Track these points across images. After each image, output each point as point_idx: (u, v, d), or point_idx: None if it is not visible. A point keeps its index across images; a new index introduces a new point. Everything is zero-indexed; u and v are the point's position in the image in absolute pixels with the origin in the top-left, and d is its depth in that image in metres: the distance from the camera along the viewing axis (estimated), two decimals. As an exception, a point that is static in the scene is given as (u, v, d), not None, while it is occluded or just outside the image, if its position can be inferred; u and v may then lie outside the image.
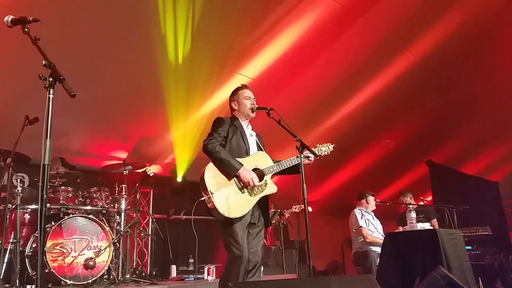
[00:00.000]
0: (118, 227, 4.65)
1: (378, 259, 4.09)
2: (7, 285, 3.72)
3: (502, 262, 5.67)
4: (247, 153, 2.91)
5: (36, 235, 3.93)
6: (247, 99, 3.03)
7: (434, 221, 5.27)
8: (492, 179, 9.25)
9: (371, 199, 5.04)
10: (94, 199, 4.52)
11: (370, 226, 4.85)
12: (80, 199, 4.45)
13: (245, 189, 2.77)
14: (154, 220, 5.52)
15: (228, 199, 2.70)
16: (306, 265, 6.32)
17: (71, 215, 4.08)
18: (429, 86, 6.50)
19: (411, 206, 5.08)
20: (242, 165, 2.75)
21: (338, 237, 8.05)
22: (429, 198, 8.18)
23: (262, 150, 3.03)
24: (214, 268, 4.86)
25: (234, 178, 2.76)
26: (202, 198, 2.73)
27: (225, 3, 4.51)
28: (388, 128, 7.26)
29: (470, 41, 5.81)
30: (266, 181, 2.85)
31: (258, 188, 2.80)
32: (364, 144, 7.46)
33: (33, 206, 4.16)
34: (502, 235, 7.78)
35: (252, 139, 3.03)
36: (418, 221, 3.95)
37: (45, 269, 3.65)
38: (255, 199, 2.78)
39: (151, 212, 5.68)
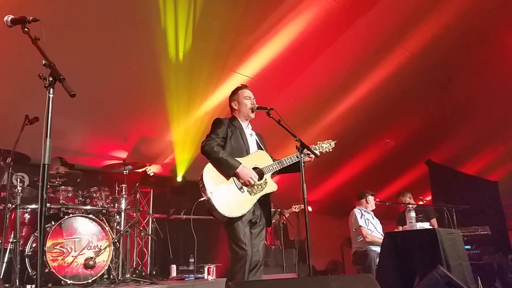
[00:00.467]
0: (118, 227, 4.65)
1: (378, 259, 4.10)
2: (7, 285, 3.72)
3: (501, 261, 5.68)
4: (247, 152, 2.91)
5: (36, 234, 3.93)
6: (247, 99, 3.03)
7: (434, 220, 5.28)
8: (492, 178, 9.26)
9: (370, 198, 5.05)
10: (94, 198, 4.52)
11: (370, 226, 4.86)
12: (80, 198, 4.46)
13: (244, 188, 2.77)
14: (154, 219, 5.53)
15: (228, 199, 2.70)
16: (306, 265, 6.32)
17: (71, 215, 4.08)
18: (428, 86, 6.50)
19: (410, 205, 5.09)
20: (241, 163, 2.75)
21: (338, 237, 8.06)
22: (429, 198, 8.18)
23: (262, 149, 3.04)
24: (214, 268, 4.86)
25: (233, 177, 2.76)
26: (202, 199, 2.74)
27: (225, 2, 4.52)
28: (388, 128, 7.27)
29: (470, 41, 5.82)
30: (266, 179, 2.85)
31: (258, 187, 2.80)
32: (364, 144, 7.46)
33: (33, 206, 4.16)
34: (501, 234, 7.79)
35: (252, 138, 3.03)
36: (417, 221, 3.96)
37: (45, 268, 3.65)
38: (255, 198, 2.79)
39: (151, 212, 5.68)
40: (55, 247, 3.81)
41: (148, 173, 5.65)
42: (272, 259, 6.43)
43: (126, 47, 4.59)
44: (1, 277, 3.69)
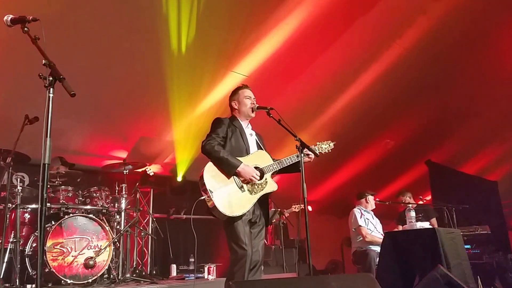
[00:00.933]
0: (118, 227, 4.65)
1: (378, 258, 4.10)
2: (7, 285, 3.71)
3: (501, 261, 5.68)
4: (246, 152, 2.92)
5: (36, 234, 3.93)
6: (247, 98, 3.04)
7: (433, 220, 5.28)
8: (491, 178, 9.26)
9: (370, 198, 5.05)
10: (94, 198, 4.52)
11: (370, 225, 4.86)
12: (80, 198, 4.46)
13: (245, 188, 2.77)
14: (154, 219, 5.53)
15: (228, 197, 2.71)
16: (306, 264, 6.32)
17: (71, 215, 4.08)
18: (428, 86, 6.50)
19: (410, 205, 5.10)
20: (242, 162, 2.76)
21: (338, 236, 8.06)
22: (429, 198, 8.19)
23: (262, 149, 3.04)
24: (215, 267, 4.86)
25: (234, 176, 2.77)
26: (202, 198, 2.74)
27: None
28: (388, 128, 7.27)
29: (470, 41, 5.82)
30: (266, 179, 2.86)
31: (258, 186, 2.80)
32: (364, 144, 7.47)
33: (33, 206, 4.16)
34: (501, 234, 7.79)
35: (252, 138, 3.04)
36: (417, 220, 3.96)
37: (45, 268, 3.65)
38: (255, 197, 2.79)
39: (151, 212, 5.69)
40: (55, 247, 3.81)
41: (148, 173, 5.65)
42: (272, 258, 6.43)
43: (126, 47, 4.59)
44: (1, 276, 3.69)
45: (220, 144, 2.84)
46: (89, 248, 3.98)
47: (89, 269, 3.90)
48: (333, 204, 8.68)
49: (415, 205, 5.33)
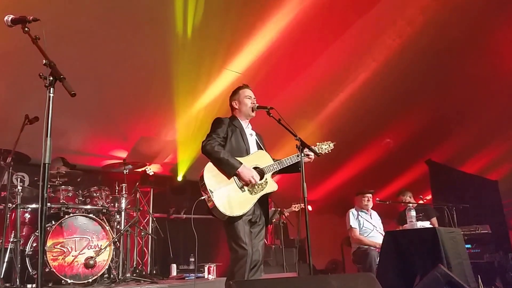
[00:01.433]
0: (118, 226, 4.65)
1: (378, 258, 4.10)
2: (7, 284, 3.72)
3: (502, 260, 5.69)
4: (247, 152, 2.92)
5: (37, 234, 3.93)
6: (248, 98, 3.05)
7: (434, 219, 5.27)
8: (492, 178, 9.25)
9: (368, 196, 5.03)
10: (94, 198, 4.52)
11: (367, 225, 4.86)
12: (81, 198, 4.46)
13: (245, 188, 2.78)
14: (154, 219, 5.53)
15: (229, 197, 2.71)
16: (306, 264, 6.32)
17: (71, 214, 4.08)
18: (428, 86, 6.50)
19: (411, 204, 5.10)
20: (242, 163, 2.76)
21: (338, 236, 8.05)
22: (429, 197, 8.18)
23: (262, 149, 3.04)
24: (215, 267, 4.86)
25: (234, 177, 2.77)
26: (202, 198, 2.74)
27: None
28: (388, 127, 7.26)
29: (470, 40, 5.81)
30: (266, 179, 2.86)
31: (258, 187, 2.81)
32: (364, 143, 7.46)
33: (33, 206, 4.16)
34: (501, 233, 7.79)
35: (252, 138, 3.04)
36: (418, 220, 3.96)
37: (45, 268, 3.65)
38: (255, 197, 2.79)
39: (151, 211, 5.69)
40: (55, 247, 3.81)
41: (147, 172, 5.65)
42: (272, 258, 6.44)
43: (126, 47, 4.59)
44: (1, 276, 3.69)
45: (221, 145, 2.85)
46: (89, 247, 3.98)
47: (89, 269, 3.90)
48: (333, 203, 8.68)
49: (416, 205, 5.32)
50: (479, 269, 4.53)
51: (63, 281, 3.72)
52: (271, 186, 2.88)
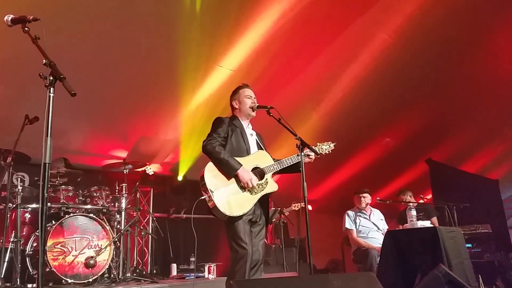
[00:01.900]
0: (118, 226, 4.65)
1: (379, 257, 4.10)
2: (8, 284, 3.72)
3: (502, 259, 5.69)
4: (247, 152, 2.92)
5: (37, 234, 3.93)
6: (248, 97, 3.05)
7: (434, 219, 5.27)
8: (492, 177, 9.25)
9: (363, 196, 5.02)
10: (94, 198, 4.53)
11: (365, 224, 4.85)
12: (81, 198, 4.46)
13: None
14: (155, 219, 5.53)
15: (229, 197, 2.71)
16: (306, 263, 6.32)
17: (71, 214, 4.08)
18: (429, 85, 6.49)
19: (411, 204, 5.09)
20: (241, 165, 2.76)
21: (338, 236, 8.03)
22: (429, 196, 8.16)
23: (262, 149, 3.04)
24: (215, 267, 4.86)
25: (234, 177, 2.76)
26: (203, 197, 2.74)
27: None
28: (388, 127, 7.26)
29: (470, 39, 5.81)
30: (267, 179, 2.86)
31: (259, 187, 2.81)
32: (364, 143, 7.45)
33: (34, 205, 4.16)
34: (502, 233, 7.79)
35: (252, 138, 3.04)
36: (418, 219, 3.95)
37: (45, 268, 3.65)
38: (256, 197, 2.79)
39: (151, 211, 5.69)
40: (55, 246, 3.81)
41: (147, 172, 5.66)
42: (272, 258, 6.43)
43: (125, 46, 4.59)
44: (2, 276, 3.69)
45: (221, 144, 2.85)
46: (89, 247, 3.98)
47: (90, 269, 3.90)
48: (333, 203, 8.67)
49: (416, 204, 5.32)
50: (479, 269, 4.53)
51: (63, 280, 3.73)
52: (272, 186, 2.88)
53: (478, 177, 8.98)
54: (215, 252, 6.15)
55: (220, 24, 4.70)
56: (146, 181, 5.85)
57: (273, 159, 2.98)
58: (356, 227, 4.87)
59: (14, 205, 3.97)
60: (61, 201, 4.23)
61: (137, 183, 5.20)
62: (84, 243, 3.97)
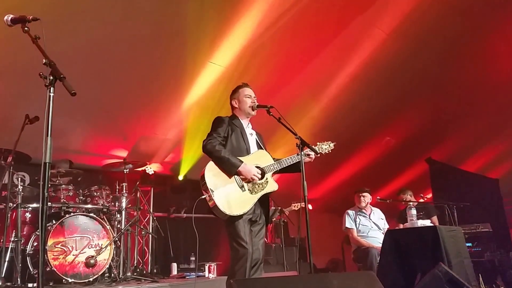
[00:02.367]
0: (119, 226, 4.66)
1: (379, 256, 4.10)
2: (8, 284, 3.73)
3: (503, 258, 5.68)
4: (247, 152, 2.92)
5: (37, 233, 3.94)
6: (248, 97, 3.05)
7: (435, 218, 5.27)
8: (492, 176, 9.24)
9: (363, 195, 5.02)
10: (95, 197, 4.53)
11: (365, 223, 4.85)
12: (81, 197, 4.47)
13: (245, 187, 2.78)
14: (155, 218, 5.53)
15: (229, 197, 2.71)
16: (306, 263, 6.31)
17: (72, 214, 4.09)
18: (428, 84, 6.48)
19: (411, 203, 5.09)
20: (242, 162, 2.77)
21: (338, 235, 8.04)
22: (429, 195, 8.16)
23: (262, 148, 3.04)
24: (215, 266, 4.87)
25: (235, 176, 2.77)
26: (203, 197, 2.74)
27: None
28: (388, 126, 7.25)
29: (470, 38, 5.80)
30: (267, 179, 2.87)
31: (259, 186, 2.81)
32: (364, 142, 7.45)
33: (34, 205, 4.17)
34: (502, 232, 7.79)
35: (252, 138, 3.05)
36: (418, 218, 3.95)
37: (46, 267, 3.66)
38: (256, 196, 2.80)
39: (151, 210, 5.69)
40: (56, 246, 3.82)
41: (147, 171, 5.65)
42: (272, 257, 6.44)
43: (125, 46, 4.59)
44: (3, 275, 3.70)
45: (221, 144, 2.85)
46: (90, 247, 3.99)
47: (90, 268, 3.91)
48: (333, 202, 8.66)
49: (416, 203, 5.32)
50: (480, 268, 4.53)
51: (64, 280, 3.74)
52: (272, 185, 2.88)
53: (478, 176, 8.98)
54: (216, 251, 6.15)
55: (220, 24, 4.70)
56: (146, 181, 5.86)
57: (273, 159, 2.98)
58: (356, 226, 4.87)
59: (14, 205, 3.97)
60: (62, 200, 4.24)
61: (138, 183, 5.20)
62: (85, 242, 3.98)
